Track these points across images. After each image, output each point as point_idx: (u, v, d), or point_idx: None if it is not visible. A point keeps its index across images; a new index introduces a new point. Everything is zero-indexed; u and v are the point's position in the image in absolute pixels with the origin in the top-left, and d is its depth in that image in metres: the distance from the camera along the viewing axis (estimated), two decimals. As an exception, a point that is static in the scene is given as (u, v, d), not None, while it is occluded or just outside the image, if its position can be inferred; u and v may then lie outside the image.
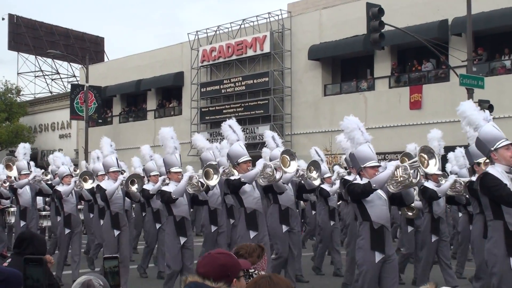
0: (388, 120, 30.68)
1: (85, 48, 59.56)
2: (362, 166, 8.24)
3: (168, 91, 45.03)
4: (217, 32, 39.89)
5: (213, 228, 12.98)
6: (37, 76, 63.03)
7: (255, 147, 31.96)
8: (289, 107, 36.40)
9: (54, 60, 61.33)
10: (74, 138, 50.75)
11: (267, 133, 12.48)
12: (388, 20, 22.38)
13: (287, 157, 10.28)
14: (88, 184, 14.29)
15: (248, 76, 37.97)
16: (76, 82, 54.21)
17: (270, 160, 11.09)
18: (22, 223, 14.10)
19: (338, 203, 15.34)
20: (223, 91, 39.32)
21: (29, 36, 59.18)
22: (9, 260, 6.25)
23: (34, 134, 53.67)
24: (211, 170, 10.49)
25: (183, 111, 42.30)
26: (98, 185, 12.65)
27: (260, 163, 10.24)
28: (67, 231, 13.19)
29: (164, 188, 10.65)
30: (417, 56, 31.82)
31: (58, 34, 60.55)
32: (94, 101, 46.08)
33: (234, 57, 38.74)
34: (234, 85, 38.71)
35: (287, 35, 36.75)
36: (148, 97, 45.74)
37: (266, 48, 36.97)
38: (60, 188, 13.35)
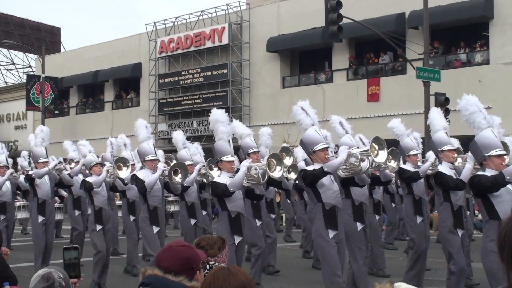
0: (346, 112, 30.81)
1: (41, 38, 58.68)
2: (486, 154, 7.63)
3: (126, 82, 44.68)
4: (175, 23, 39.67)
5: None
6: (-8, 67, 62.05)
7: (212, 139, 31.88)
8: (248, 99, 36.41)
9: (9, 50, 60.40)
10: (30, 129, 49.92)
11: (334, 119, 10.93)
12: (346, 13, 22.50)
13: (376, 146, 8.85)
14: (124, 173, 12.68)
15: (206, 67, 37.86)
16: (32, 73, 53.49)
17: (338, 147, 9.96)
18: (41, 218, 12.64)
19: None
20: (181, 82, 39.16)
21: (-16, 25, 58.15)
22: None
23: (-11, 125, 52.89)
24: (274, 160, 9.37)
25: (141, 102, 42.03)
26: (134, 175, 11.39)
27: (343, 151, 8.68)
28: (98, 227, 11.55)
29: (217, 179, 9.46)
30: (375, 49, 32.07)
31: (13, 24, 59.52)
32: (51, 92, 45.55)
33: (192, 48, 38.58)
34: (192, 77, 38.57)
35: (245, 27, 36.72)
36: (105, 88, 45.32)
37: (225, 40, 36.90)
38: (90, 179, 11.92)
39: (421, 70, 23.46)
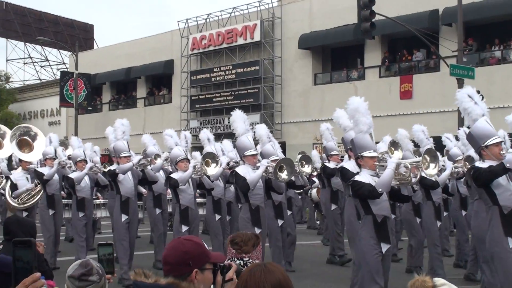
0: (378, 110, 30.68)
1: (74, 35, 59.25)
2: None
3: (158, 79, 44.89)
4: (207, 20, 39.76)
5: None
6: (26, 63, 62.79)
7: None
8: (279, 96, 36.36)
9: (43, 47, 61.08)
10: (63, 126, 50.57)
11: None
12: (378, 10, 22.35)
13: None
14: (212, 169, 11.94)
15: (238, 64, 37.89)
16: (66, 69, 53.99)
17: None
18: (124, 217, 11.81)
19: None
20: (213, 79, 39.24)
21: (18, 22, 58.78)
22: (1, 247, 6.26)
23: (24, 121, 53.42)
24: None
25: (173, 99, 42.20)
26: (233, 171, 10.89)
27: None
28: (184, 228, 11.37)
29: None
30: (408, 46, 31.84)
31: (47, 21, 60.18)
32: (84, 89, 45.95)
33: (224, 45, 38.63)
34: (224, 74, 38.63)
35: (277, 24, 36.68)
36: (138, 85, 45.60)
37: (257, 37, 36.89)
38: (175, 175, 11.58)
39: (455, 67, 23.25)
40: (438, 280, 3.67)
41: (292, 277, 10.33)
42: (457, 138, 13.14)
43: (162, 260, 3.62)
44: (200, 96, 40.06)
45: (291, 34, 35.60)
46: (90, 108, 47.51)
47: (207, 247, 3.68)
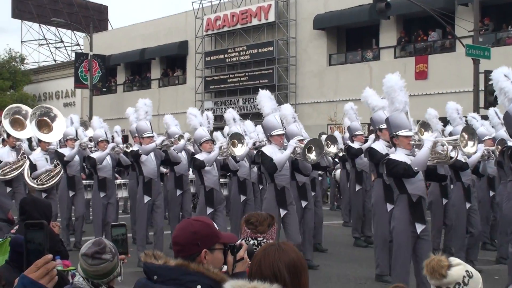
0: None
1: (88, 16, 59.26)
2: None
3: (173, 60, 44.89)
4: (222, 0, 39.62)
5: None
6: (41, 45, 63.00)
7: (259, 116, 31.93)
8: (294, 77, 36.28)
9: (58, 28, 61.20)
10: (78, 107, 50.73)
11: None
12: (394, -11, 22.21)
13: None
14: (239, 150, 11.78)
15: (252, 45, 37.79)
16: (80, 51, 54.12)
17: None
18: (147, 199, 11.70)
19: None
20: (227, 60, 39.18)
21: (33, 4, 58.87)
22: (17, 226, 6.32)
23: (39, 103, 53.60)
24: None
25: (188, 80, 42.21)
26: (260, 151, 10.64)
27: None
28: (209, 210, 11.24)
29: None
30: (423, 26, 31.60)
31: (62, 2, 60.19)
32: (98, 70, 46.04)
33: (238, 26, 38.53)
34: (238, 54, 38.56)
35: (292, 4, 36.49)
36: (152, 66, 45.63)
37: (271, 17, 36.75)
38: (200, 156, 11.36)
39: (471, 47, 23.08)
40: (454, 260, 3.67)
41: (318, 258, 10.35)
42: (486, 118, 12.89)
43: (172, 241, 3.63)
44: (215, 77, 40.03)
45: (306, 15, 35.44)
46: (104, 89, 47.65)
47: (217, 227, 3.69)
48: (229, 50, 39.09)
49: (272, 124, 10.34)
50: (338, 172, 18.91)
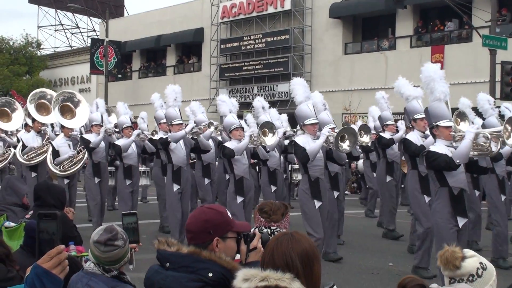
0: (409, 80, 30.41)
1: (105, 2, 59.24)
2: None
3: (188, 47, 44.87)
4: (238, -12, 39.55)
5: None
6: (57, 30, 63.12)
7: (273, 104, 31.90)
8: (309, 65, 36.18)
9: (74, 14, 61.28)
10: (93, 93, 50.84)
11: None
12: (411, -21, 22.06)
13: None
14: (270, 139, 11.68)
15: (268, 33, 37.69)
16: (96, 37, 54.19)
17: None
18: (176, 187, 11.64)
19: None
20: (242, 48, 39.11)
21: (49, -11, 59.03)
22: (31, 212, 6.35)
23: (54, 88, 53.76)
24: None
25: (203, 67, 42.19)
26: (292, 141, 10.48)
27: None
28: (239, 199, 10.99)
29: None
30: (440, 16, 31.41)
31: (78, -13, 60.32)
32: (114, 56, 46.13)
33: (254, 13, 38.43)
34: (254, 42, 38.47)
35: (308, -8, 36.38)
36: (167, 53, 45.64)
37: (287, 5, 36.62)
38: (230, 144, 11.14)
39: (488, 38, 22.93)
40: (468, 252, 3.66)
41: (340, 249, 10.29)
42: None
43: (185, 228, 3.65)
44: (230, 65, 39.99)
45: (322, 3, 35.29)
46: (120, 76, 47.74)
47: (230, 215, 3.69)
48: (244, 38, 39.01)
49: (305, 113, 10.05)
50: (360, 162, 18.57)
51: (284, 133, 13.10)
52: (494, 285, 3.56)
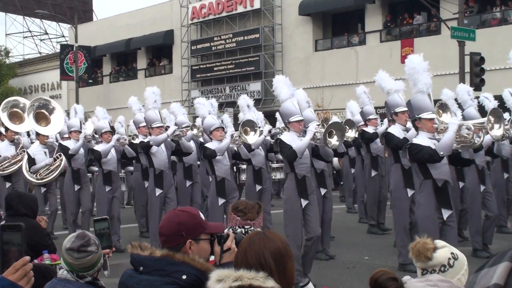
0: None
1: (73, 7, 58.91)
2: None
3: (158, 50, 44.74)
4: (206, -12, 39.49)
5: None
6: (26, 37, 62.64)
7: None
8: (280, 63, 36.24)
9: (43, 20, 60.82)
10: (64, 99, 50.49)
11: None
12: (378, -27, 22.19)
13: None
14: (251, 137, 11.40)
15: (238, 33, 37.70)
16: (65, 42, 53.80)
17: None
18: (158, 191, 11.35)
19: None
20: (213, 48, 39.08)
21: (16, -4, 58.50)
22: (3, 222, 6.28)
23: (25, 96, 53.19)
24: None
25: (174, 69, 42.09)
26: (278, 140, 10.02)
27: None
28: (221, 201, 10.75)
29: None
30: (408, 9, 31.63)
31: (46, -7, 59.85)
32: (84, 61, 45.86)
33: (224, 13, 38.41)
34: (224, 42, 38.46)
35: (277, -9, 36.44)
36: (138, 56, 45.46)
37: (256, 4, 36.65)
38: (211, 145, 10.79)
39: (456, 29, 23.12)
40: (439, 242, 3.69)
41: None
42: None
43: (159, 231, 3.64)
44: (201, 66, 39.94)
45: (291, 1, 35.37)
46: (90, 81, 47.47)
47: (203, 217, 3.69)
48: (215, 38, 38.99)
49: (290, 110, 9.70)
50: (335, 159, 18.51)
51: (270, 131, 12.99)
52: (466, 274, 3.59)
